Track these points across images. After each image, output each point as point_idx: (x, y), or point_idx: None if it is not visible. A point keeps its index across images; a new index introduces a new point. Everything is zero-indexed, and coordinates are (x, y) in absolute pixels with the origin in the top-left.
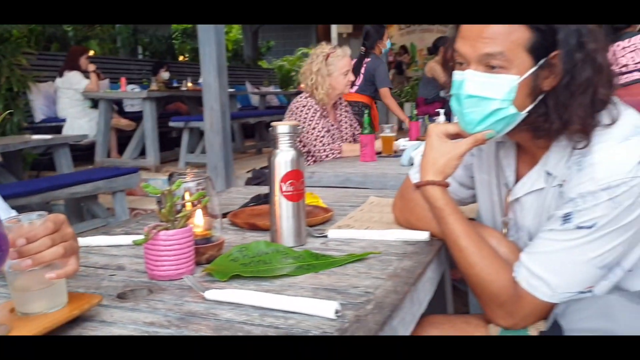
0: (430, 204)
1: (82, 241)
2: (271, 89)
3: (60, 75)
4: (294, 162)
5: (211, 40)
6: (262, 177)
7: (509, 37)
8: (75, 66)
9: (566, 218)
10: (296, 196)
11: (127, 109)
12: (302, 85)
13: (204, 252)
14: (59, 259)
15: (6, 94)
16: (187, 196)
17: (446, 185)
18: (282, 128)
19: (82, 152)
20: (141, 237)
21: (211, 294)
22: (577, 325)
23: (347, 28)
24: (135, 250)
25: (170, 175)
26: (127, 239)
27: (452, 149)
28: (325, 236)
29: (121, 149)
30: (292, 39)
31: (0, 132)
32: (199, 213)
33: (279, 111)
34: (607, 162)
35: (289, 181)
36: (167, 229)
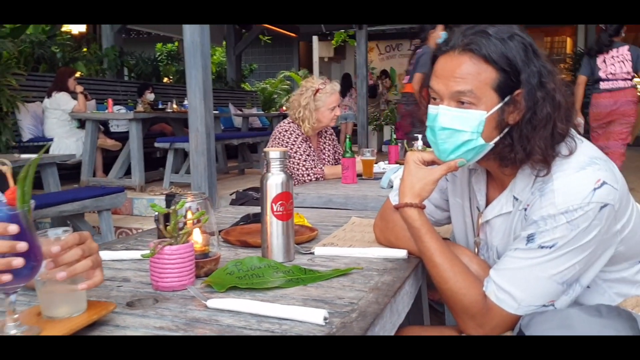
0: (408, 224)
1: None
2: (254, 110)
3: (49, 96)
4: (284, 185)
5: (197, 64)
6: (245, 198)
7: (478, 77)
8: (63, 87)
9: (530, 238)
10: (286, 216)
11: (113, 129)
12: (284, 108)
13: (203, 265)
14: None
15: None
16: (189, 215)
17: (422, 207)
18: (273, 154)
19: (69, 171)
20: (146, 252)
21: (213, 303)
22: (540, 335)
23: (328, 52)
24: (137, 264)
25: (168, 196)
26: (129, 254)
27: (427, 175)
28: (312, 253)
29: (106, 169)
30: (275, 62)
31: None
32: (197, 230)
33: (262, 133)
34: (565, 189)
35: (280, 202)
36: (171, 244)
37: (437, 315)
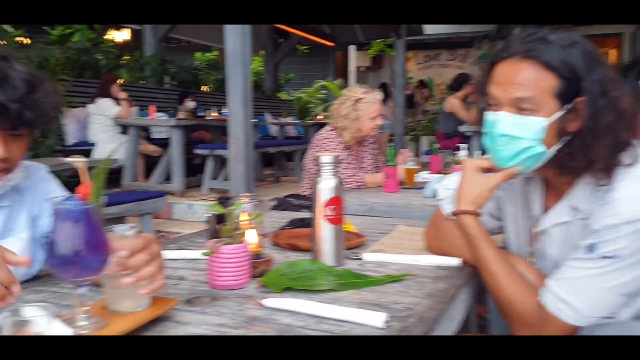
0: (464, 231)
1: None
2: (289, 119)
3: (93, 101)
4: (336, 189)
5: (238, 72)
6: (285, 204)
7: (538, 84)
8: (107, 93)
9: (590, 248)
10: (337, 220)
11: (154, 135)
12: (319, 117)
13: (257, 266)
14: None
15: None
16: (244, 216)
17: (478, 215)
18: (325, 158)
19: (110, 175)
20: (200, 251)
21: (269, 302)
22: None
23: (365, 61)
24: (191, 263)
25: (221, 199)
26: (182, 254)
27: (485, 182)
28: (360, 259)
29: (147, 174)
30: (310, 72)
31: (34, 154)
32: (252, 231)
33: (297, 141)
34: (629, 198)
35: (331, 206)
36: (228, 244)
37: (481, 329)
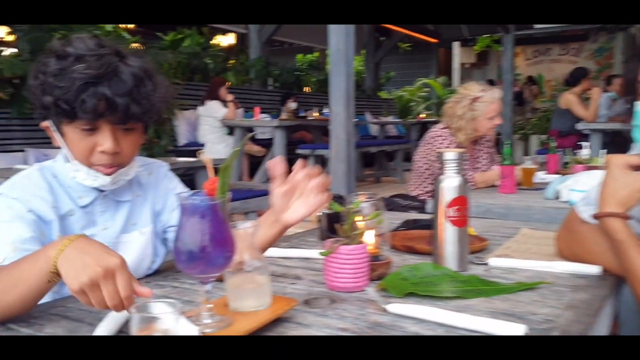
0: (610, 237)
1: None
2: (390, 118)
3: (202, 104)
4: (460, 188)
5: (341, 72)
6: (391, 205)
7: None
8: (215, 96)
9: None
10: (461, 222)
11: (258, 136)
12: (422, 116)
13: (376, 268)
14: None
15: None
16: (361, 216)
17: (628, 218)
18: (449, 154)
19: (217, 174)
20: (312, 251)
21: (393, 308)
22: None
23: (470, 58)
24: (305, 262)
25: (338, 198)
26: (295, 252)
27: (635, 181)
28: (486, 264)
29: (251, 173)
30: (412, 70)
31: (149, 154)
32: (370, 232)
33: (399, 141)
34: None
35: (455, 207)
36: (346, 244)
37: None
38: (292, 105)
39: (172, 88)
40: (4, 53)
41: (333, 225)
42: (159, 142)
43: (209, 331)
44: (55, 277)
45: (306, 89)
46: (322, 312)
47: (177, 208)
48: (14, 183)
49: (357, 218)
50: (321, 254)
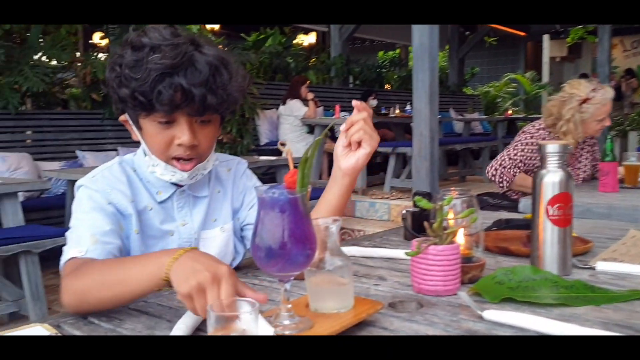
0: None
1: None
2: (475, 115)
3: (284, 103)
4: (562, 184)
5: (425, 67)
6: (481, 203)
7: None
8: (296, 94)
9: None
10: (563, 221)
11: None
12: (509, 112)
13: (468, 271)
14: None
15: (239, 119)
16: (452, 214)
17: None
18: (551, 147)
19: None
20: (396, 251)
21: (490, 315)
22: None
23: (561, 51)
24: (389, 263)
25: (425, 194)
26: (378, 252)
27: None
28: (593, 268)
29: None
30: (498, 64)
31: (233, 152)
32: (461, 231)
33: (485, 138)
34: None
35: (557, 204)
36: (436, 244)
37: None
38: (372, 102)
39: (249, 77)
40: (99, 57)
41: (418, 224)
42: (242, 141)
43: (288, 333)
44: (165, 284)
45: (387, 87)
46: (410, 316)
47: (255, 205)
48: (96, 175)
49: (447, 216)
50: (407, 254)
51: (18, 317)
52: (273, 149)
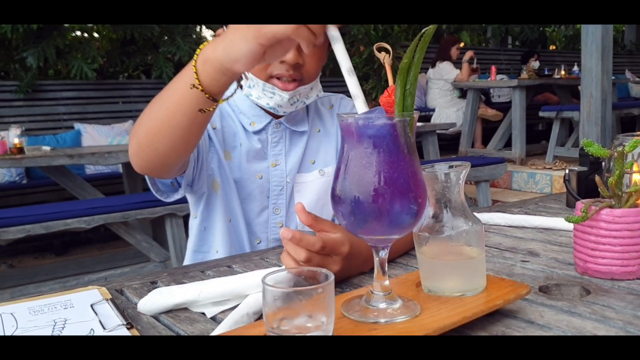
0: None
1: (479, 217)
2: None
3: (433, 65)
4: None
5: None
6: None
7: None
8: (446, 56)
9: None
10: None
11: (494, 99)
12: None
13: None
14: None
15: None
16: (638, 166)
17: None
18: None
19: (447, 142)
20: (555, 219)
21: None
22: None
23: None
24: (544, 234)
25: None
26: (530, 220)
27: None
28: None
29: (485, 140)
30: None
31: None
32: None
33: None
34: None
35: None
36: (611, 206)
37: None
38: (534, 64)
39: None
40: None
41: (586, 187)
42: None
43: (383, 322)
44: (197, 87)
45: (552, 47)
46: (570, 307)
47: None
48: None
49: (631, 168)
50: (569, 220)
51: None
52: (420, 115)
